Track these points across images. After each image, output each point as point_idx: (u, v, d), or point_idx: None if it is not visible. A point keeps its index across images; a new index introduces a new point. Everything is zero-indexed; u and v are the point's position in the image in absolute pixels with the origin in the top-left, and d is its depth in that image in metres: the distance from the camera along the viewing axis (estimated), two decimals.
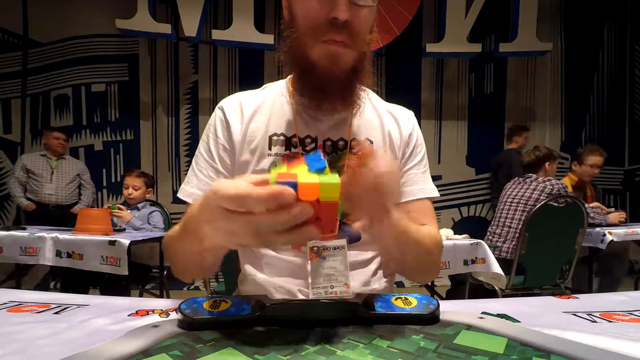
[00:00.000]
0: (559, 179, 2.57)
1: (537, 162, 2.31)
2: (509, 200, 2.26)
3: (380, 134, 0.72)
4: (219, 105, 0.73)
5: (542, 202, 2.05)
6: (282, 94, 0.73)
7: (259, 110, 0.72)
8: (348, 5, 0.57)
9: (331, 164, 0.67)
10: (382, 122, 0.74)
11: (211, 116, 0.74)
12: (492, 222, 2.37)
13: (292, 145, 0.68)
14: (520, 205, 2.19)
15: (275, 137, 0.69)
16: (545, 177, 2.27)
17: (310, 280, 0.60)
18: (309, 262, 0.61)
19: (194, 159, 0.73)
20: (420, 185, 0.74)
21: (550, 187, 2.14)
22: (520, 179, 2.33)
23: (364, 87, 0.74)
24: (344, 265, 0.61)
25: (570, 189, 2.56)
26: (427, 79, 4.03)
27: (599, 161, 2.64)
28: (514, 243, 2.14)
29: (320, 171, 0.38)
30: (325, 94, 0.64)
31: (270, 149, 0.69)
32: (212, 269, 0.66)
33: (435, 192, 0.75)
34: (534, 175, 2.28)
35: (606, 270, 2.53)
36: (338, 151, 0.69)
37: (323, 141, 0.69)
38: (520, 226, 2.13)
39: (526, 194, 2.19)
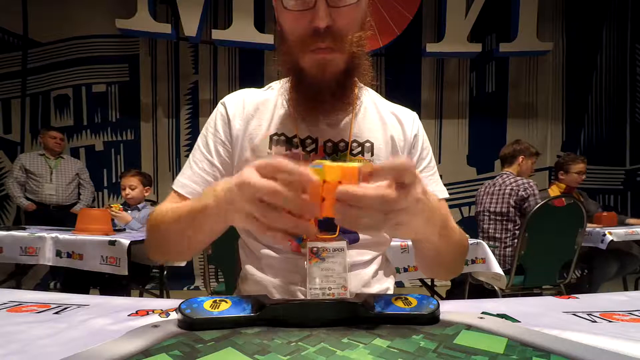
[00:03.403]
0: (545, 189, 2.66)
1: (512, 155, 2.37)
2: (486, 212, 2.33)
3: (383, 136, 0.72)
4: (221, 100, 0.73)
5: (538, 206, 2.06)
6: (283, 94, 0.73)
7: (261, 108, 0.72)
8: (327, 10, 0.57)
9: None
10: (385, 123, 0.73)
11: (213, 111, 0.74)
12: (478, 230, 2.42)
13: (293, 146, 0.68)
14: (498, 217, 2.26)
15: (275, 137, 0.69)
16: (516, 174, 2.32)
17: (307, 281, 0.60)
18: (307, 262, 0.61)
19: (191, 151, 0.73)
20: (432, 187, 0.74)
21: (517, 187, 2.20)
22: (492, 181, 2.38)
23: (363, 86, 0.74)
24: (342, 267, 0.61)
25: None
26: (427, 78, 4.03)
27: (583, 167, 2.78)
28: (505, 251, 2.20)
29: None
30: (318, 101, 0.64)
31: (270, 148, 0.68)
32: (190, 255, 0.69)
33: (445, 194, 0.76)
34: (506, 174, 2.32)
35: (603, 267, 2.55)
36: (339, 152, 0.69)
37: (324, 142, 0.68)
38: (505, 235, 2.22)
39: (498, 207, 2.26)
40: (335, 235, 0.64)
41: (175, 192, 0.70)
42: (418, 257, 0.69)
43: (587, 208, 2.84)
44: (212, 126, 0.72)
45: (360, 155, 0.69)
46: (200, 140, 0.73)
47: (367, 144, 0.70)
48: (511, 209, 2.20)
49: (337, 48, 0.59)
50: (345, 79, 0.64)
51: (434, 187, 0.75)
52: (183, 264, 2.35)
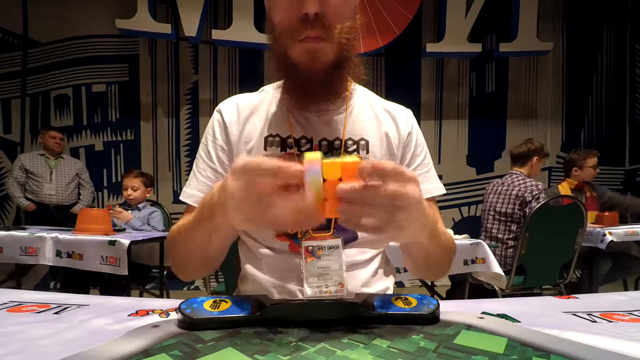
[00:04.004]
0: (553, 184, 2.63)
1: (527, 154, 2.35)
2: (491, 210, 2.32)
3: (377, 133, 0.72)
4: (217, 108, 0.74)
5: (538, 206, 2.06)
6: (277, 96, 0.73)
7: (255, 111, 0.72)
8: None
9: None
10: (379, 121, 0.73)
11: (210, 119, 0.74)
12: (481, 229, 2.41)
13: (288, 146, 0.68)
14: (502, 217, 2.25)
15: (270, 138, 0.69)
16: (527, 174, 2.31)
17: (304, 279, 0.60)
18: (303, 261, 0.61)
19: (194, 162, 0.74)
20: (425, 185, 0.74)
21: (524, 189, 2.19)
22: (500, 180, 2.36)
23: (354, 81, 0.73)
24: (339, 265, 0.61)
25: (569, 193, 2.69)
26: (427, 79, 4.03)
27: (596, 161, 2.79)
28: (507, 252, 2.21)
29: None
30: (308, 92, 0.64)
31: (265, 149, 0.69)
32: (214, 263, 0.67)
33: (441, 190, 0.76)
34: (515, 174, 2.31)
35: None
36: (334, 151, 0.69)
37: (319, 141, 0.69)
38: (507, 236, 2.22)
39: (503, 207, 2.25)
40: (329, 233, 0.64)
41: (187, 206, 0.71)
42: (406, 259, 0.69)
43: (601, 193, 2.85)
44: (211, 134, 0.72)
45: (355, 152, 0.69)
46: (201, 149, 0.73)
47: (362, 142, 0.70)
48: (516, 211, 2.19)
49: (326, 37, 0.59)
50: (335, 71, 0.63)
51: (429, 184, 0.74)
52: None
